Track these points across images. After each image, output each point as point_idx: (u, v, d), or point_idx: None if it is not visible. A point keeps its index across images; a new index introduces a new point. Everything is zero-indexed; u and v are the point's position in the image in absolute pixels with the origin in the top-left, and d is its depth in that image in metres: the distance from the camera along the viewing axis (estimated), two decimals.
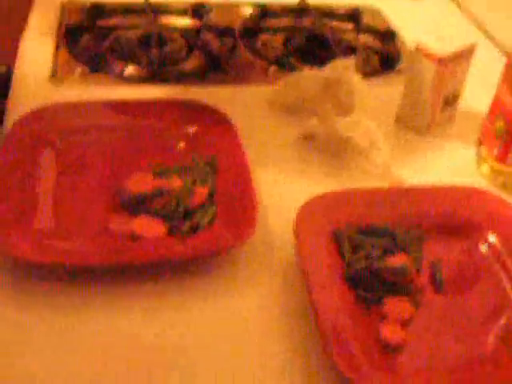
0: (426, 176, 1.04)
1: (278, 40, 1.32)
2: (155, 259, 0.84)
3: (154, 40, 1.24)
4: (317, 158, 1.04)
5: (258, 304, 0.82)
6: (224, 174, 0.95)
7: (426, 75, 1.07)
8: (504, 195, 0.97)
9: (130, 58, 1.23)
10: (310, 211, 0.88)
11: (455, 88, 1.11)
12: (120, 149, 1.00)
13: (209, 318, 0.80)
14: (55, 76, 1.18)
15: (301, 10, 1.40)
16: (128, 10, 1.37)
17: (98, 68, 1.21)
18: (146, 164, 0.97)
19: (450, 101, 1.12)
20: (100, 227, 0.87)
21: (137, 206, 0.89)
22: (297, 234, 0.85)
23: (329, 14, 1.41)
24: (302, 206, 0.88)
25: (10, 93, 1.20)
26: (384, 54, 1.32)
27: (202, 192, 0.90)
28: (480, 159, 1.07)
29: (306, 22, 1.38)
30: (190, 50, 1.27)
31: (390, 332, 0.80)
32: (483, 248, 0.91)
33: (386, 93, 1.18)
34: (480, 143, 1.07)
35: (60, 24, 1.33)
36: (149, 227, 0.86)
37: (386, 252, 0.87)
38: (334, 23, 1.38)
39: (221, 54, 1.26)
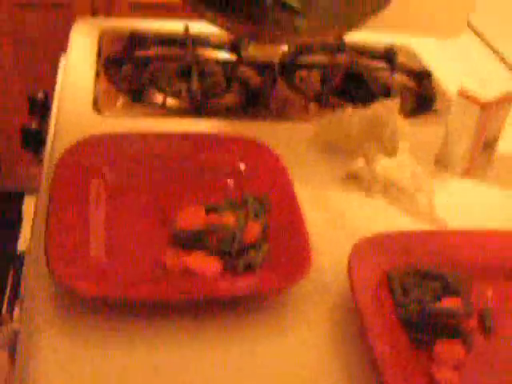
0: (467, 219, 1.04)
1: (315, 76, 1.33)
2: (212, 297, 0.84)
3: (194, 72, 1.25)
4: (363, 199, 1.05)
5: (310, 345, 0.83)
6: (275, 211, 0.95)
7: (469, 119, 1.09)
8: None
9: (169, 89, 1.24)
10: (361, 252, 0.89)
11: (496, 132, 1.13)
12: (169, 182, 1.01)
13: (259, 357, 0.80)
14: (97, 105, 1.18)
15: (337, 48, 1.41)
16: (167, 41, 1.38)
17: (139, 98, 1.22)
18: (196, 199, 0.97)
19: (490, 144, 1.13)
20: (154, 262, 0.88)
21: (191, 241, 0.89)
22: (350, 273, 0.86)
23: (364, 52, 1.43)
24: (355, 246, 0.89)
25: (52, 121, 1.21)
26: (419, 94, 1.33)
27: (255, 228, 0.91)
28: None
29: (342, 59, 1.39)
30: (229, 83, 1.28)
31: (444, 375, 0.80)
32: None
33: (423, 134, 1.20)
34: None
35: (99, 52, 1.34)
36: (204, 264, 0.87)
37: (437, 295, 0.88)
38: (370, 62, 1.40)
39: (260, 88, 1.27)
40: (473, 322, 0.87)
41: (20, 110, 2.25)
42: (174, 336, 0.81)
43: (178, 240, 0.90)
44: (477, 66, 1.47)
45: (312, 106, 1.25)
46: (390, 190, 1.05)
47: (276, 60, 1.36)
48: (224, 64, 1.34)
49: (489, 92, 1.09)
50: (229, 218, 0.91)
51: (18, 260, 1.42)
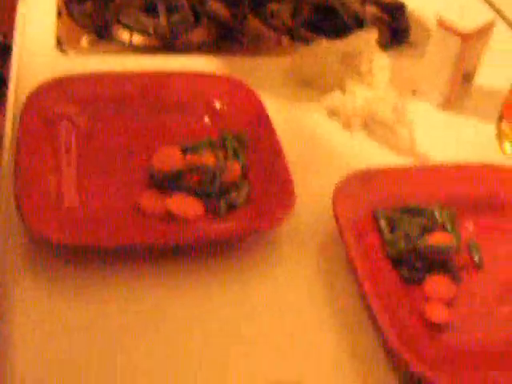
0: (446, 151, 1.03)
1: (286, 9, 1.29)
2: (195, 240, 0.81)
3: (161, 8, 1.20)
4: (343, 134, 1.02)
5: (298, 282, 0.81)
6: (254, 149, 0.92)
7: (449, 50, 1.06)
8: None
9: (136, 26, 1.19)
10: (345, 189, 0.87)
11: (474, 63, 1.10)
12: (142, 123, 0.96)
13: (249, 294, 0.79)
14: (61, 44, 1.13)
15: None
16: None
17: (104, 35, 1.17)
18: (171, 139, 0.93)
19: (469, 76, 1.11)
20: (131, 207, 0.84)
21: (169, 183, 0.86)
22: (335, 211, 0.83)
23: None
24: (338, 184, 0.86)
25: (13, 63, 1.15)
26: (393, 26, 1.30)
27: (235, 168, 0.88)
28: (502, 135, 1.06)
29: None
30: (198, 18, 1.23)
31: (435, 311, 0.79)
32: None
33: (400, 66, 1.16)
34: (501, 119, 1.06)
35: None
36: (186, 206, 0.83)
37: (425, 231, 0.86)
38: None
39: (230, 23, 1.23)
40: (462, 257, 0.85)
41: None
42: (155, 281, 0.79)
43: (156, 182, 0.87)
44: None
45: (285, 39, 1.21)
46: (369, 123, 1.02)
47: None
48: None
49: (468, 22, 1.05)
50: (208, 158, 0.88)
51: None
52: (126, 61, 1.11)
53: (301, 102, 1.07)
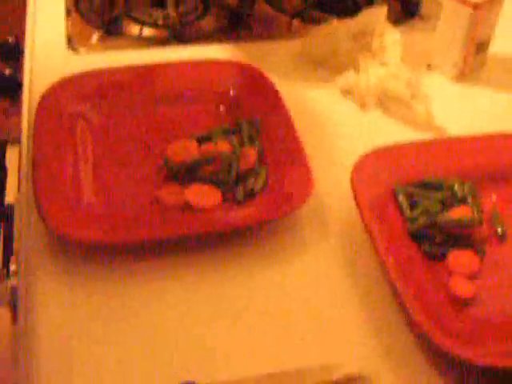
0: (464, 124, 1.01)
1: None
2: (216, 229, 0.81)
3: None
4: (358, 113, 1.01)
5: (321, 263, 0.81)
6: (270, 135, 0.91)
7: (460, 21, 1.05)
8: None
9: (145, 19, 1.19)
10: (364, 167, 0.86)
11: (487, 33, 1.09)
12: (156, 114, 0.96)
13: (274, 279, 0.79)
14: (71, 42, 1.14)
15: None
16: None
17: (114, 31, 1.17)
18: (187, 129, 0.93)
19: (483, 46, 1.10)
20: (149, 200, 0.84)
21: (186, 174, 0.86)
22: (354, 189, 0.83)
23: None
24: (356, 163, 0.86)
25: (26, 64, 1.15)
26: (403, 0, 1.28)
27: (251, 154, 0.88)
28: None
29: None
30: (206, 7, 1.23)
31: (460, 285, 0.78)
32: None
33: (412, 41, 1.15)
34: None
35: None
36: (203, 196, 0.83)
37: (445, 205, 0.85)
38: None
39: (239, 9, 1.22)
40: (484, 230, 0.84)
41: None
42: (177, 272, 0.79)
43: (173, 174, 0.87)
44: None
45: (295, 22, 1.20)
46: (385, 100, 1.01)
47: None
48: None
49: None
50: (223, 146, 0.88)
51: (7, 213, 1.38)
52: (137, 55, 1.11)
53: (314, 83, 1.06)
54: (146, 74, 1.01)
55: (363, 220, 0.80)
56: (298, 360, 0.71)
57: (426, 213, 0.83)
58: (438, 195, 0.86)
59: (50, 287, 0.77)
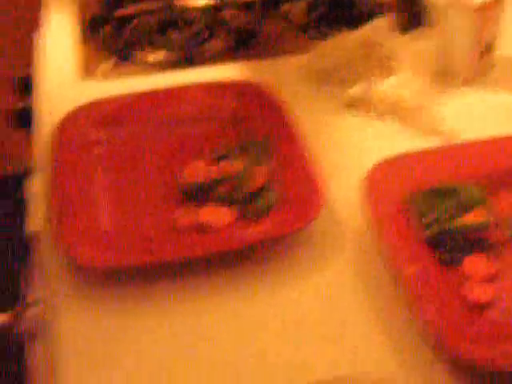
0: (475, 127, 1.01)
1: (300, 7, 1.29)
2: (230, 248, 0.82)
3: (176, 23, 1.22)
4: (367, 124, 1.02)
5: (337, 277, 0.82)
6: (280, 152, 0.92)
7: (464, 25, 1.05)
8: None
9: (154, 44, 1.20)
10: (374, 178, 0.87)
11: (492, 35, 1.09)
12: (169, 138, 0.98)
13: (292, 296, 0.80)
14: (84, 70, 1.15)
15: None
16: None
17: (125, 58, 1.18)
18: (199, 151, 0.95)
19: (488, 47, 1.10)
20: (165, 222, 0.86)
21: (199, 195, 0.87)
22: (367, 200, 0.83)
23: None
24: (368, 173, 0.86)
25: (37, 93, 1.17)
26: (410, 8, 1.29)
27: (262, 172, 0.89)
28: None
29: None
30: (214, 28, 1.24)
31: (476, 291, 0.78)
32: None
33: (419, 48, 1.16)
34: None
35: (78, 17, 1.30)
36: (217, 216, 0.85)
37: (459, 210, 0.85)
38: None
39: (246, 29, 1.24)
40: (498, 233, 0.84)
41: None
42: (195, 293, 0.80)
43: (187, 195, 0.88)
44: None
45: (302, 37, 1.21)
46: (393, 110, 1.02)
47: None
48: (205, 9, 1.29)
49: None
50: (234, 166, 0.89)
51: (28, 242, 1.40)
52: (149, 79, 1.12)
53: (322, 97, 1.07)
54: (157, 98, 1.03)
55: (376, 230, 0.80)
56: (319, 373, 0.72)
57: (439, 219, 0.83)
58: (451, 201, 0.86)
59: (72, 314, 0.78)
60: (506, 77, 1.12)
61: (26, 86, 1.30)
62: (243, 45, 1.21)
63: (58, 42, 1.24)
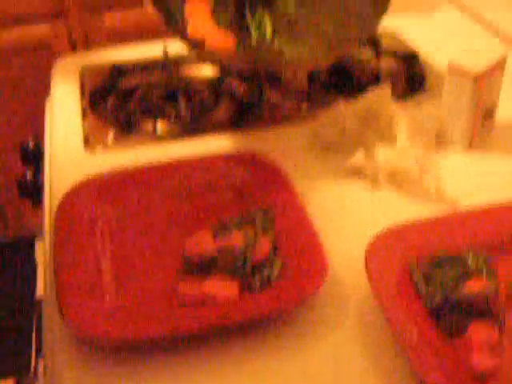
0: (477, 194, 1.03)
1: (301, 75, 1.31)
2: (234, 321, 0.82)
3: (180, 93, 1.24)
4: (369, 193, 1.03)
5: (340, 344, 0.82)
6: (283, 223, 0.93)
7: (463, 93, 1.07)
8: None
9: (158, 114, 1.22)
10: (377, 247, 0.87)
11: (492, 101, 1.11)
12: (173, 210, 0.99)
13: (295, 367, 0.79)
14: (88, 143, 1.17)
15: None
16: (149, 66, 1.36)
17: (129, 129, 1.20)
18: (203, 222, 0.96)
19: (489, 113, 1.11)
20: (168, 295, 0.86)
21: (203, 268, 0.88)
22: (369, 269, 0.84)
23: None
24: (370, 242, 0.87)
25: (46, 166, 1.19)
26: (409, 75, 1.31)
27: (265, 244, 0.89)
28: None
29: None
30: (217, 98, 1.26)
31: (481, 360, 0.78)
32: None
33: (420, 114, 1.17)
34: None
35: (82, 89, 1.33)
36: (221, 288, 0.85)
37: (461, 279, 0.86)
38: (355, 51, 1.37)
39: (248, 98, 1.25)
40: (502, 301, 0.85)
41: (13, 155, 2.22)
42: (197, 367, 0.80)
43: (190, 268, 0.89)
44: (463, 37, 1.45)
45: (303, 106, 1.23)
46: (395, 178, 1.03)
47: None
48: (209, 79, 1.32)
49: (480, 61, 1.06)
50: (237, 238, 0.90)
51: (37, 308, 1.40)
52: (152, 151, 1.14)
53: (324, 166, 1.08)
54: (161, 170, 1.04)
55: (379, 300, 0.81)
56: None
57: (441, 289, 0.84)
58: (453, 270, 0.86)
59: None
60: (507, 142, 1.13)
61: (33, 155, 1.32)
62: (246, 114, 1.22)
63: (65, 114, 1.26)
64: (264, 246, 0.89)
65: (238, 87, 1.28)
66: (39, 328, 1.39)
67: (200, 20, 1.09)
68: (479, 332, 0.81)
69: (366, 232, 0.90)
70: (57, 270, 0.87)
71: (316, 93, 1.26)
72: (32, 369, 1.31)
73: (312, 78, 1.30)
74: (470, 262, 0.87)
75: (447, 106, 1.11)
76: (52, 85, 1.36)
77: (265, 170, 1.02)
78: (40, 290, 1.53)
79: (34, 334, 1.43)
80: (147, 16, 2.12)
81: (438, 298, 0.83)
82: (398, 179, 1.03)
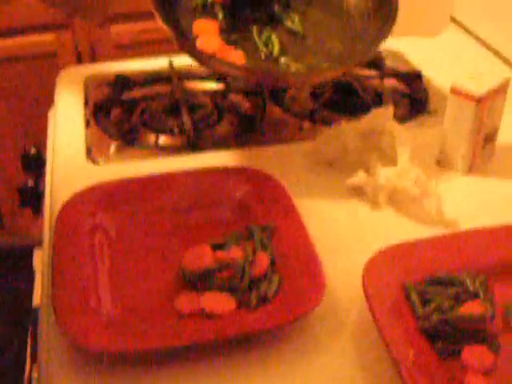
0: (476, 217, 1.03)
1: (305, 93, 1.32)
2: (231, 336, 0.82)
3: (184, 107, 1.24)
4: (369, 212, 1.03)
5: (336, 363, 0.82)
6: (282, 239, 0.94)
7: (465, 116, 1.07)
8: None
9: (161, 127, 1.23)
10: (375, 266, 0.88)
11: (494, 124, 1.11)
12: (173, 223, 0.99)
13: (292, 382, 0.80)
14: (90, 153, 1.17)
15: None
16: (153, 79, 1.37)
17: (131, 141, 1.20)
18: (202, 236, 0.96)
19: (490, 137, 1.12)
20: (166, 308, 0.86)
21: (201, 282, 0.88)
22: (366, 289, 0.84)
23: None
24: (367, 262, 0.87)
25: (48, 175, 1.20)
26: (412, 96, 1.32)
27: (264, 260, 0.90)
28: None
29: None
30: (220, 113, 1.27)
31: (476, 383, 0.78)
32: None
33: (421, 136, 1.18)
34: None
35: (86, 100, 1.33)
36: (218, 303, 0.85)
37: (457, 301, 0.86)
38: (358, 70, 1.38)
39: (252, 114, 1.26)
40: (498, 324, 0.85)
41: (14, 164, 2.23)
42: (194, 379, 0.80)
43: (188, 282, 0.89)
44: (467, 60, 1.46)
45: (306, 124, 1.23)
46: (396, 198, 1.03)
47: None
48: (213, 94, 1.32)
49: (482, 84, 1.07)
50: (236, 253, 0.90)
51: (33, 316, 1.40)
52: (154, 164, 1.14)
53: (325, 184, 1.09)
54: (161, 183, 1.04)
55: (375, 319, 0.81)
56: None
57: (438, 310, 0.84)
58: (450, 291, 0.87)
59: None
60: (507, 166, 1.13)
61: (35, 163, 1.32)
62: (248, 130, 1.23)
63: (68, 124, 1.26)
64: (262, 261, 0.89)
65: (242, 103, 1.28)
66: (34, 336, 1.39)
67: (209, 37, 1.10)
68: (474, 354, 0.81)
69: (364, 250, 0.90)
70: (54, 280, 0.86)
71: (319, 111, 1.26)
72: (26, 377, 1.31)
73: (315, 96, 1.31)
74: (468, 283, 0.87)
75: (449, 127, 1.11)
76: (56, 95, 1.36)
77: (265, 185, 1.02)
78: (37, 298, 1.53)
79: (29, 342, 1.43)
80: (153, 29, 2.13)
81: (433, 319, 0.83)
82: (398, 199, 1.03)
